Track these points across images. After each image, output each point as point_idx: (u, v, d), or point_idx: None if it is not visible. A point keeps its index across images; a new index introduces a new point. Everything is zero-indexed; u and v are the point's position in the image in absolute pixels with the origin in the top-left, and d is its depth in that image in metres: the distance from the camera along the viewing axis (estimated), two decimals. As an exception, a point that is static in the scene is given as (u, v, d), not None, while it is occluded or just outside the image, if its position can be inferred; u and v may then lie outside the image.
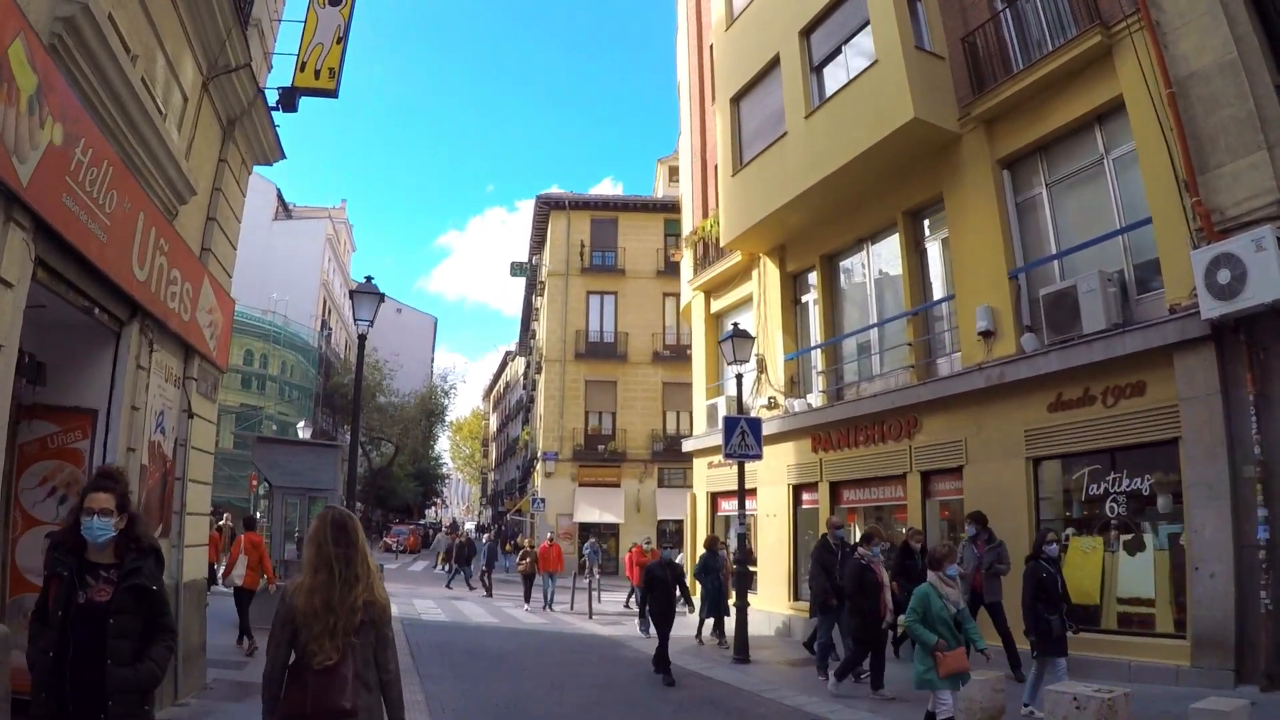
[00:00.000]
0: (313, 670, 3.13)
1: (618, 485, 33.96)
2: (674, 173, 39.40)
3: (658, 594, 10.84)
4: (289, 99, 9.41)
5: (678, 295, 36.14)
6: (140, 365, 6.63)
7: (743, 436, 12.54)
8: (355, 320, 10.45)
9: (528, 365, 51.72)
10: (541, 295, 38.35)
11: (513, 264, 39.68)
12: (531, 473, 40.80)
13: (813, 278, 16.15)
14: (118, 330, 6.41)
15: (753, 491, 16.66)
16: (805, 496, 15.36)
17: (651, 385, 34.86)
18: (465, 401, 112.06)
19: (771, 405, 16.06)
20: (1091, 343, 9.99)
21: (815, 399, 15.40)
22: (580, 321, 35.36)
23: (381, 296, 10.40)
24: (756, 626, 15.62)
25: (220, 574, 12.97)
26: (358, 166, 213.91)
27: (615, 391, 34.87)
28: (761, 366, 16.70)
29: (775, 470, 15.78)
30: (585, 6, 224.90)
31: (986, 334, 11.73)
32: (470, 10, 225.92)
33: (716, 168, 19.77)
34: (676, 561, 11.68)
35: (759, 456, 12.90)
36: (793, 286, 16.73)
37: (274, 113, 9.44)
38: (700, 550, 17.61)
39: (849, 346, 15.34)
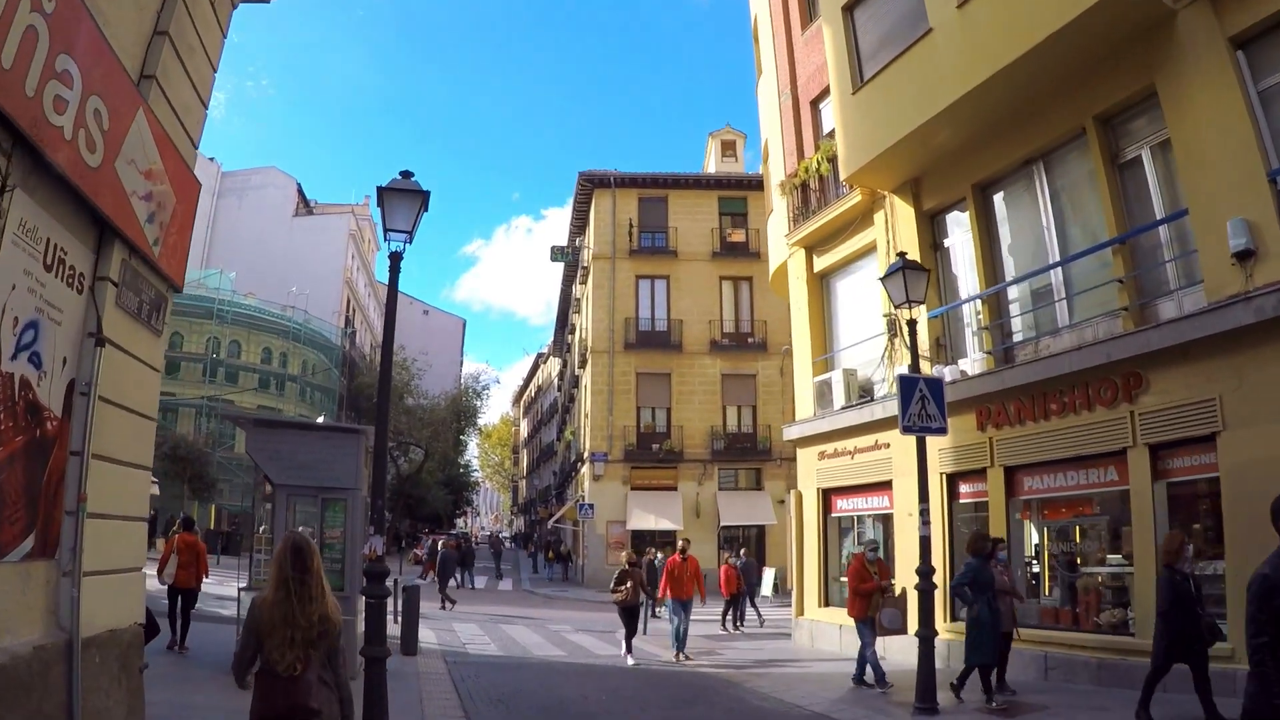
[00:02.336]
0: (280, 677, 3.47)
1: (674, 488, 30.48)
2: (727, 147, 36.20)
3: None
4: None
5: (735, 278, 33.03)
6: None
7: (922, 403, 9.14)
8: (386, 234, 7.14)
9: (564, 365, 48.61)
10: (585, 283, 35.07)
11: (553, 248, 36.34)
12: (574, 477, 37.49)
13: (959, 215, 12.77)
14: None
15: (883, 486, 13.24)
16: (964, 488, 11.87)
17: (709, 377, 31.41)
18: (493, 409, 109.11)
19: (914, 376, 12.61)
20: None
21: (974, 364, 11.96)
22: (629, 308, 31.99)
23: (424, 197, 7.10)
24: (904, 655, 12.20)
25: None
26: (382, 173, 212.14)
27: (669, 385, 31.44)
28: (893, 328, 13.25)
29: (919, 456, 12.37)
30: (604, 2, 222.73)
31: (1244, 255, 8.47)
32: (489, 13, 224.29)
33: (814, 102, 16.52)
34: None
35: (943, 430, 9.50)
36: (930, 228, 13.30)
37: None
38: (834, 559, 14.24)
39: (1018, 295, 11.91)
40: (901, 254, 10.17)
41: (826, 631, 13.79)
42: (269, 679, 3.49)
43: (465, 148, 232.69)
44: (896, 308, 10.00)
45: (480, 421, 56.39)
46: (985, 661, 8.59)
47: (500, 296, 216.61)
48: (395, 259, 7.06)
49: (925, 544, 8.99)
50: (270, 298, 44.74)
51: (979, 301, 12.19)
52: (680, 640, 12.97)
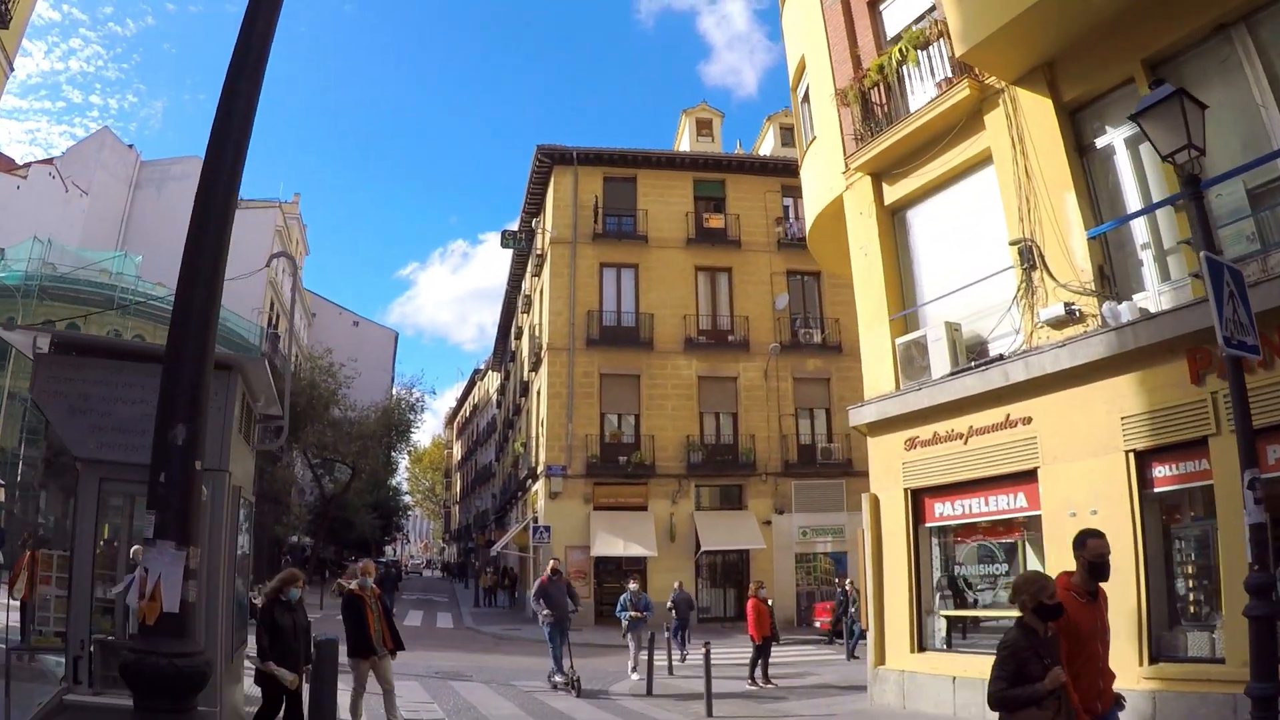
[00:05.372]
0: None
1: (645, 508, 26.29)
2: (703, 125, 32.71)
3: None
4: None
5: (712, 269, 29.03)
6: None
7: (1233, 306, 5.38)
8: None
9: (507, 377, 44.18)
10: (539, 274, 30.84)
11: (504, 233, 31.96)
12: (522, 496, 32.98)
13: (1119, 104, 9.12)
14: None
15: (1019, 478, 9.36)
16: (1162, 470, 8.05)
17: (684, 380, 27.44)
18: (424, 433, 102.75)
19: (1073, 317, 8.84)
20: None
21: (1163, 296, 8.33)
22: (592, 300, 27.87)
23: None
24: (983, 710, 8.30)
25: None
26: (315, 190, 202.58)
27: (638, 388, 27.33)
28: (1032, 259, 9.49)
29: (1085, 430, 8.58)
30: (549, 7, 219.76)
31: None
32: (428, 20, 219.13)
33: (872, 2, 12.83)
34: None
35: (1256, 349, 5.71)
36: (1072, 126, 9.64)
37: None
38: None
39: (1227, 196, 8.27)
40: (1160, 80, 6.42)
41: (928, 688, 9.77)
42: None
43: (401, 166, 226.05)
44: (1165, 158, 6.19)
45: (413, 438, 51.06)
46: None
47: (433, 321, 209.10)
48: None
49: (1259, 535, 5.09)
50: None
51: (1168, 210, 8.52)
52: None
